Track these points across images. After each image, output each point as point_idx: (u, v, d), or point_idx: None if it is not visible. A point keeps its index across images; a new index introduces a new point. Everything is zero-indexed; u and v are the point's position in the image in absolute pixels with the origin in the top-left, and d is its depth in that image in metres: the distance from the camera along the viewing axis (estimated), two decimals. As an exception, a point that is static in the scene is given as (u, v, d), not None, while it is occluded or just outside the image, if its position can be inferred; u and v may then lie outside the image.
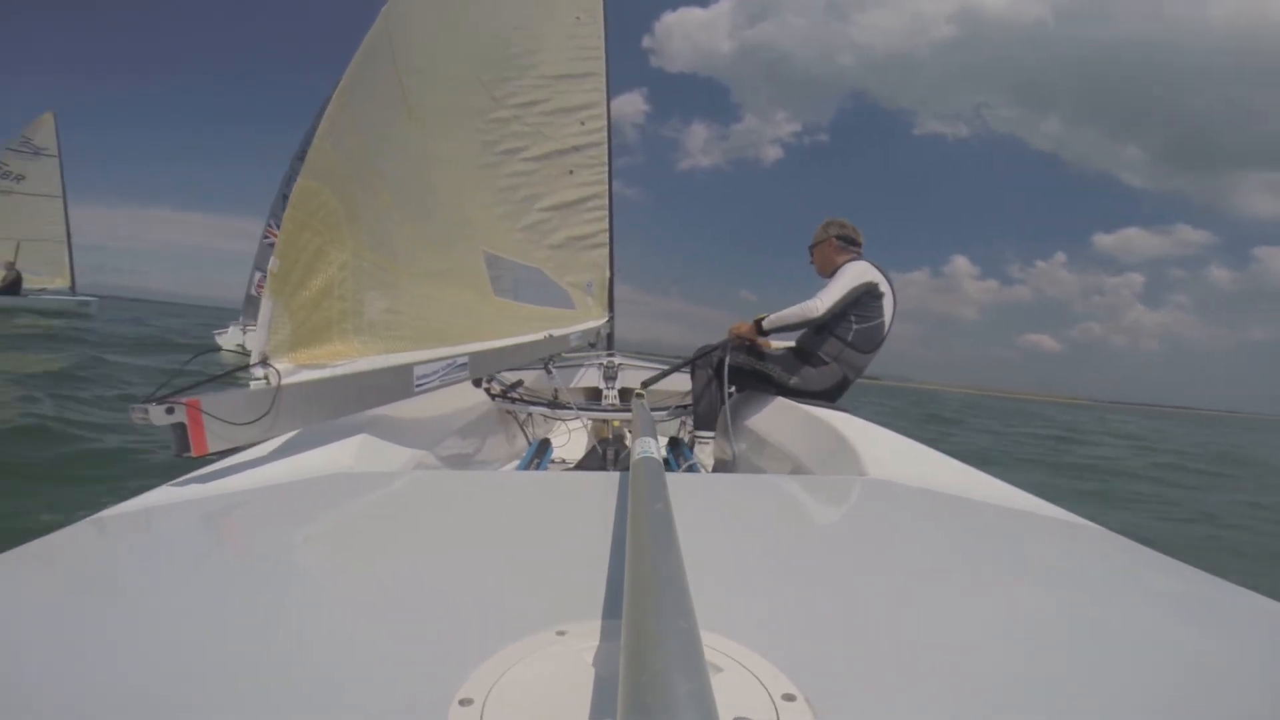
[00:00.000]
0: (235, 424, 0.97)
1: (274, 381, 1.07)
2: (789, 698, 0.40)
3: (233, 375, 1.10)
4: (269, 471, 0.98)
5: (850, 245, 2.38)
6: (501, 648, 0.46)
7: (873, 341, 2.29)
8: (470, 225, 2.05)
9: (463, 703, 0.39)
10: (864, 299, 2.24)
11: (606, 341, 2.96)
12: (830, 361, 2.26)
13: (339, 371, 1.27)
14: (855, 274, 2.24)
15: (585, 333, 2.52)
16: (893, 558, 0.78)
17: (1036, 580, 0.73)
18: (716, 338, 2.48)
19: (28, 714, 0.39)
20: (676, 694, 0.30)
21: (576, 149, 2.54)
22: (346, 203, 1.38)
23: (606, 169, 2.70)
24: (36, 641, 0.48)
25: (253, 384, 1.07)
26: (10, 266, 16.24)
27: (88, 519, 0.75)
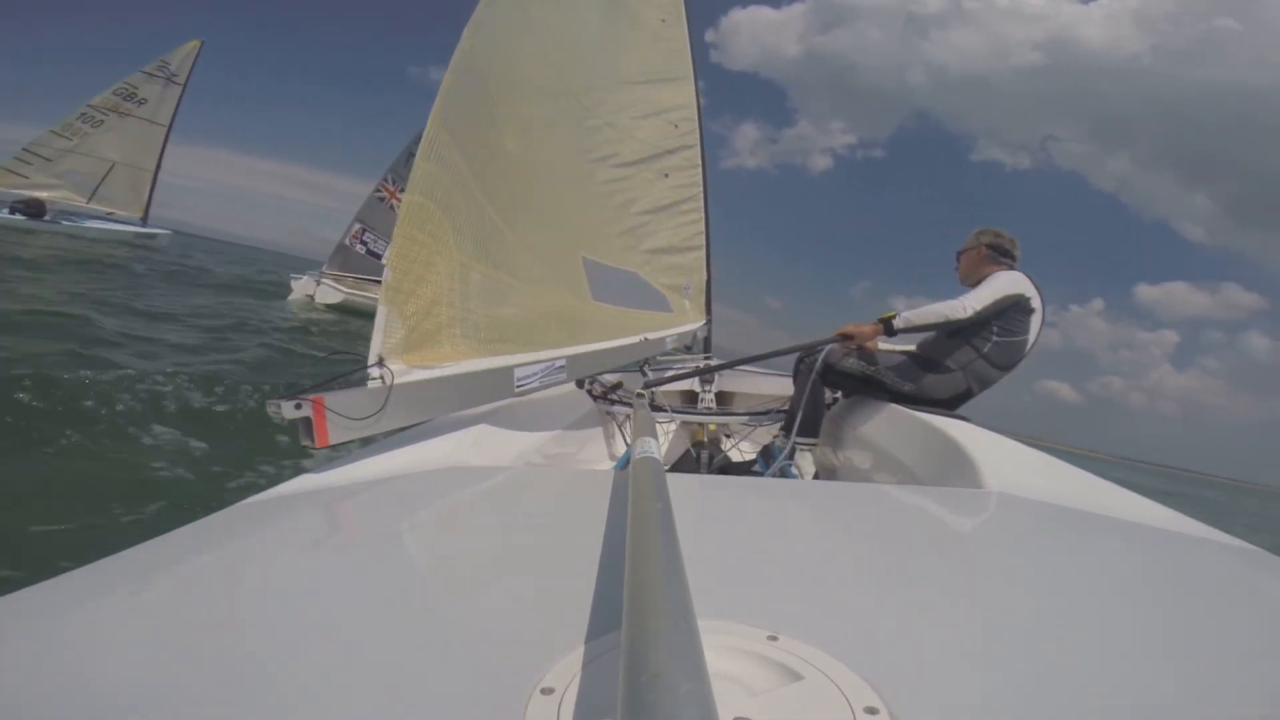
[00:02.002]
0: (354, 419, 1.06)
1: (388, 381, 1.16)
2: (871, 710, 0.39)
3: (351, 375, 1.20)
4: (394, 462, 1.07)
5: (1002, 256, 2.23)
6: (586, 641, 0.47)
7: (1011, 358, 2.12)
8: (569, 231, 2.11)
9: (544, 691, 0.41)
10: (1011, 311, 2.09)
11: (704, 345, 2.92)
12: (956, 370, 2.10)
13: (445, 372, 1.35)
14: (1009, 282, 2.10)
15: (681, 335, 2.51)
16: (1005, 575, 0.73)
17: (1181, 607, 0.65)
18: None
19: (178, 674, 0.44)
20: (676, 694, 0.30)
21: (670, 152, 2.55)
22: (452, 216, 1.47)
23: (700, 171, 2.68)
24: (192, 613, 0.55)
25: (369, 383, 1.16)
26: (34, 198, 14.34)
27: (239, 504, 0.85)
